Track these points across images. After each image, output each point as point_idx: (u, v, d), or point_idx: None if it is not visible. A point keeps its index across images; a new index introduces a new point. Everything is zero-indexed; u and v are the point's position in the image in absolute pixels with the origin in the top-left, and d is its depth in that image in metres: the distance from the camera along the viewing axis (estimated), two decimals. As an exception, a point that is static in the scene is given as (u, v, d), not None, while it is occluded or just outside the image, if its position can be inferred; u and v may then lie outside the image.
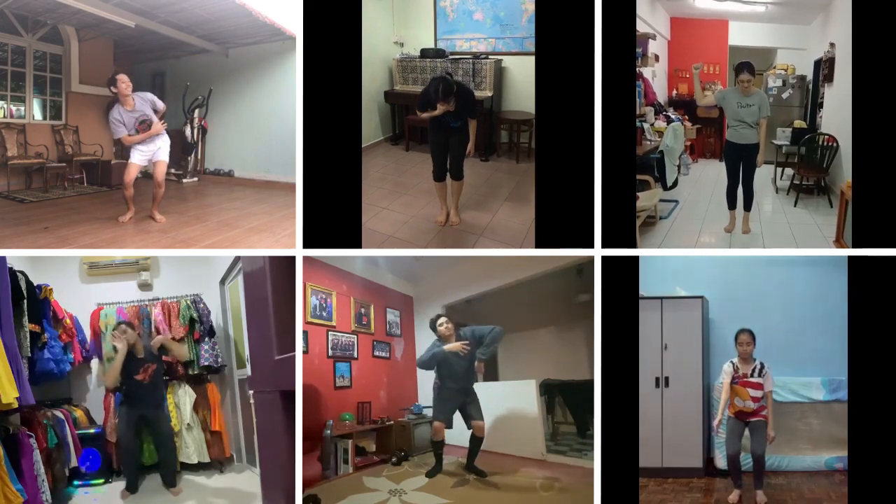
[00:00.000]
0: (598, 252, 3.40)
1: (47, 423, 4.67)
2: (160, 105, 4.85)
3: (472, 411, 4.50)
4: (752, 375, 4.05)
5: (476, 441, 4.45)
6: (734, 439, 4.05)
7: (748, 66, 4.39)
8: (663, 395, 4.55)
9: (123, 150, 5.29)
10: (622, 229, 3.42)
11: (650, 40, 4.98)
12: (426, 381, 4.73)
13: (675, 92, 5.53)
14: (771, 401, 4.06)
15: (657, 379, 4.56)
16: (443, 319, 4.56)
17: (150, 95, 4.84)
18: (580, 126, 3.40)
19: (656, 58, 5.23)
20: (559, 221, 3.42)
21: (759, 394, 4.04)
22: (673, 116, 5.16)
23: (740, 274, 4.71)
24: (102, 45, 6.57)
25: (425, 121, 4.44)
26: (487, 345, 4.50)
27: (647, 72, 5.07)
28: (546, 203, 3.43)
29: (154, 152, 4.82)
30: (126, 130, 4.77)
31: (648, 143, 4.80)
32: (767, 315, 4.64)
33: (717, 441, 4.61)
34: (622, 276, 3.41)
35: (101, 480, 5.24)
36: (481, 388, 5.22)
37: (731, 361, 4.13)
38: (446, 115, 4.29)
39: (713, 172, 5.01)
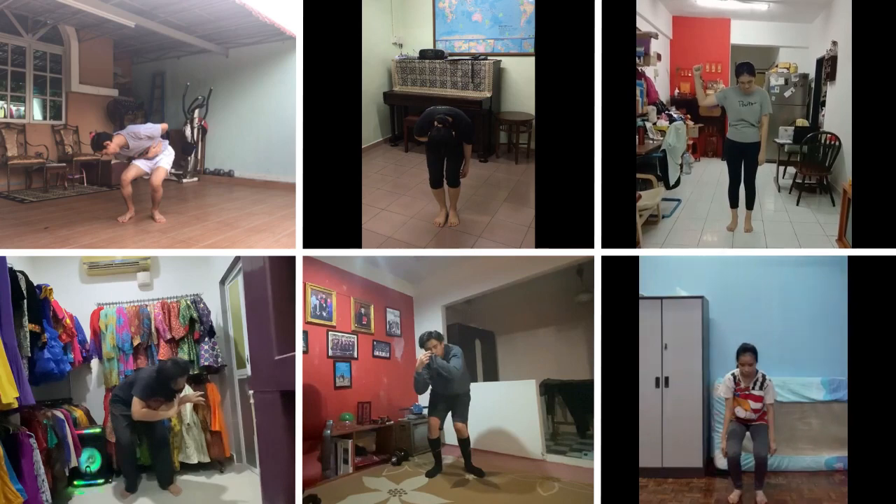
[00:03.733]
0: (598, 252, 3.41)
1: (47, 423, 4.66)
2: (156, 131, 4.87)
3: (457, 412, 4.52)
4: (752, 388, 4.06)
5: (462, 443, 4.46)
6: (735, 442, 4.04)
7: (748, 66, 4.39)
8: (663, 395, 4.55)
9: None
10: (622, 229, 3.43)
11: (652, 39, 4.98)
12: (426, 382, 4.74)
13: (677, 91, 5.53)
14: (773, 413, 4.06)
15: (657, 379, 4.56)
16: (433, 341, 4.47)
17: (143, 131, 4.85)
18: (580, 126, 3.40)
19: (658, 57, 5.23)
20: (559, 221, 3.42)
21: (759, 406, 4.05)
22: (675, 115, 5.16)
23: (740, 274, 4.71)
24: (102, 45, 6.57)
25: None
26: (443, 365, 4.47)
27: (649, 71, 5.07)
28: (546, 203, 3.43)
29: (157, 161, 4.85)
30: (127, 157, 4.89)
31: (651, 142, 4.80)
32: (767, 315, 4.65)
33: (717, 441, 4.61)
34: (622, 276, 3.41)
35: (101, 480, 5.23)
36: (482, 389, 5.23)
37: (733, 374, 4.12)
38: (444, 138, 4.35)
39: (715, 171, 5.01)
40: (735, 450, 4.03)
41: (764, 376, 4.07)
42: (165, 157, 4.91)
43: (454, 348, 4.55)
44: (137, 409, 4.75)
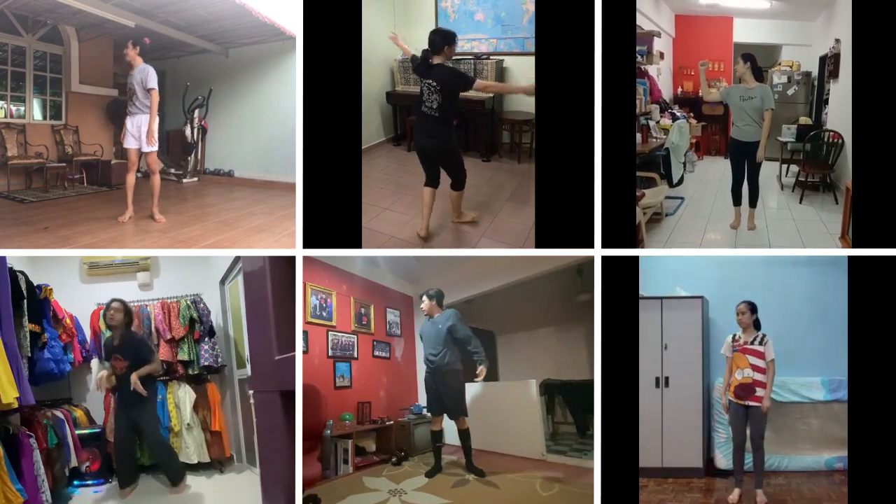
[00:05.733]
0: (598, 252, 3.40)
1: (47, 423, 4.66)
2: (150, 82, 4.80)
3: (451, 408, 4.54)
4: (752, 344, 4.04)
5: (463, 435, 4.46)
6: (739, 425, 4.01)
7: (743, 55, 4.40)
8: (663, 395, 4.55)
9: (122, 149, 5.30)
10: (622, 229, 3.42)
11: (655, 38, 4.98)
12: (426, 382, 4.75)
13: (680, 89, 5.53)
14: (772, 371, 4.00)
15: (657, 379, 4.56)
16: (424, 297, 4.66)
17: (147, 70, 4.81)
18: (580, 126, 3.40)
19: (661, 55, 5.23)
20: (559, 221, 3.42)
21: (757, 362, 4.00)
22: (678, 114, 5.16)
23: (740, 274, 4.71)
24: (102, 45, 6.57)
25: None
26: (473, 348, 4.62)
27: (652, 69, 5.06)
28: (546, 203, 3.43)
29: (139, 132, 4.81)
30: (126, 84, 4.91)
31: (654, 140, 4.81)
32: (767, 315, 4.63)
33: (717, 441, 4.61)
34: (622, 276, 3.41)
35: (101, 480, 5.23)
36: (482, 389, 5.23)
37: (733, 334, 4.12)
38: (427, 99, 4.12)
39: (719, 169, 5.01)
40: (740, 435, 4.00)
41: (764, 334, 4.05)
42: (142, 130, 4.86)
43: (451, 312, 4.60)
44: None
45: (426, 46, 4.08)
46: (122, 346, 4.90)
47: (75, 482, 5.13)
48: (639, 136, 4.72)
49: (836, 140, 4.55)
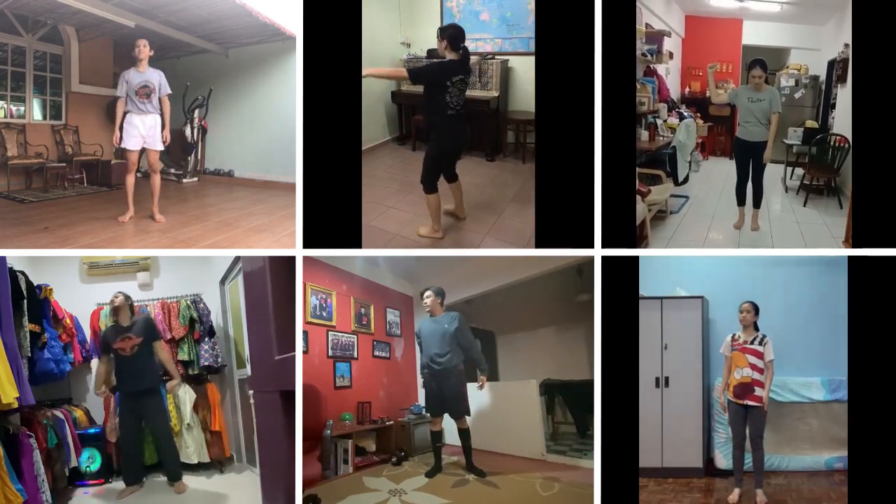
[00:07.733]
0: (598, 252, 3.40)
1: (47, 423, 4.67)
2: (164, 88, 4.83)
3: (454, 408, 4.53)
4: (751, 343, 4.04)
5: (463, 435, 4.46)
6: (738, 425, 4.01)
7: (760, 62, 4.41)
8: (663, 395, 4.55)
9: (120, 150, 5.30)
10: (622, 229, 3.43)
11: (665, 37, 4.99)
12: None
13: (687, 89, 5.53)
14: (771, 372, 4.01)
15: (657, 379, 4.56)
16: (428, 293, 4.62)
17: (162, 75, 4.86)
18: (580, 126, 3.40)
19: (670, 55, 5.23)
20: (559, 221, 3.42)
21: (756, 361, 4.00)
22: (685, 113, 5.17)
23: (741, 274, 4.71)
24: (102, 45, 6.57)
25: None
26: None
27: (661, 69, 5.07)
28: (546, 203, 3.43)
29: (153, 132, 4.80)
30: (125, 91, 4.78)
31: (661, 138, 4.82)
32: (768, 315, 4.63)
33: (717, 441, 4.61)
34: (622, 276, 3.41)
35: (101, 480, 5.23)
36: (482, 389, 5.22)
37: (733, 334, 4.13)
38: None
39: (724, 170, 5.02)
40: (740, 433, 4.01)
41: (764, 335, 4.05)
42: (156, 134, 4.87)
43: (457, 315, 4.59)
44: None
45: (431, 46, 4.09)
46: (133, 325, 5.01)
47: (75, 482, 5.13)
48: (646, 134, 4.74)
49: (842, 144, 4.54)
